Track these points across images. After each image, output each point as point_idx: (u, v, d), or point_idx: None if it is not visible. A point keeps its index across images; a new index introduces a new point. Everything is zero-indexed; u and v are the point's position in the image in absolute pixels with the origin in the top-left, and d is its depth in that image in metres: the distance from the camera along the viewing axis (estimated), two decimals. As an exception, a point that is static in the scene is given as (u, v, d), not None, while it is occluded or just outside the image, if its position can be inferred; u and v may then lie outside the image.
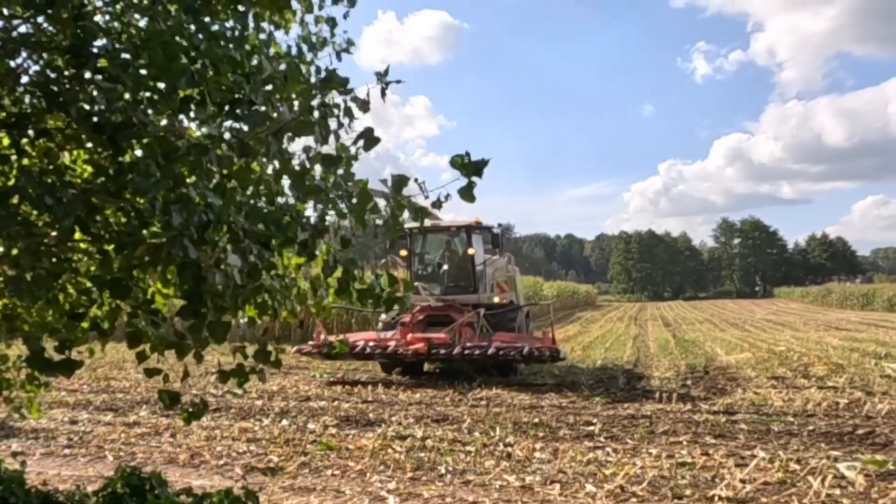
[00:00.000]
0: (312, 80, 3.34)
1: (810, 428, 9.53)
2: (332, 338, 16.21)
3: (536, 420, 10.23)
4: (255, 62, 3.14)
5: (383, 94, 3.38)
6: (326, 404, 11.91)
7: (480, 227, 16.19)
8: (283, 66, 3.31)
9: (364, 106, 3.30)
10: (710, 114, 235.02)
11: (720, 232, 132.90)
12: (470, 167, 3.19)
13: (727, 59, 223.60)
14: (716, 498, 6.43)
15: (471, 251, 15.65)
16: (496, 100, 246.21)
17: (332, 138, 3.25)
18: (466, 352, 13.78)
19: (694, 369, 16.63)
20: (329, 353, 14.70)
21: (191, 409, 3.45)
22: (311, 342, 14.91)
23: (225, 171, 2.91)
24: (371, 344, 14.33)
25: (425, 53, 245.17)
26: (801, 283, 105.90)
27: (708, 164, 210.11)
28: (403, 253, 15.65)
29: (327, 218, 3.35)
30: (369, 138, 3.24)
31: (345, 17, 3.86)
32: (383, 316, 15.75)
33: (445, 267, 16.24)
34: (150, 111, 2.79)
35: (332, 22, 3.76)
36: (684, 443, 8.77)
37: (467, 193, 3.29)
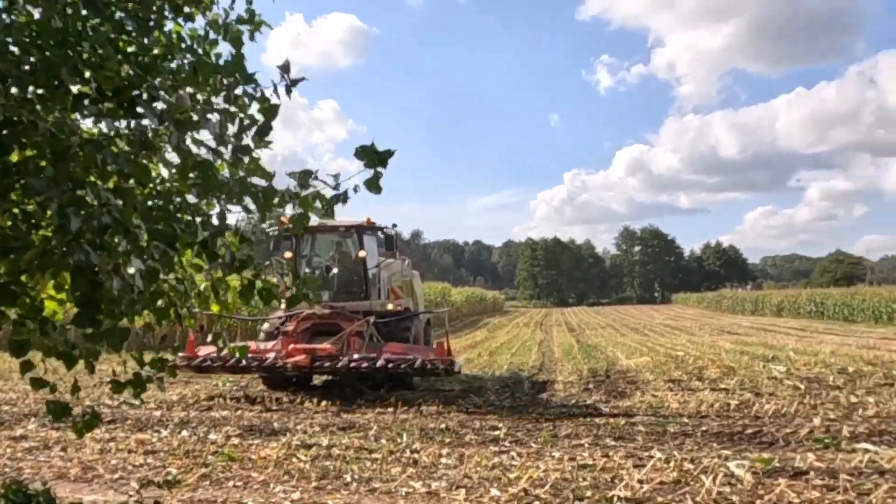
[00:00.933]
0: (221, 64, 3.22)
1: (703, 429, 9.95)
2: (218, 346, 15.17)
3: (443, 426, 10.27)
4: (156, 52, 3.02)
5: (289, 91, 3.32)
6: (229, 413, 11.60)
7: (373, 228, 14.84)
8: (188, 58, 3.19)
9: (269, 112, 3.23)
10: (613, 125, 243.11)
11: (622, 240, 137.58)
12: (375, 157, 3.18)
13: (629, 73, 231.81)
14: (615, 498, 6.62)
15: (362, 253, 14.34)
16: (406, 106, 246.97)
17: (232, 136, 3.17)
18: (353, 364, 12.64)
19: (596, 373, 17.09)
20: (201, 367, 13.06)
21: (82, 421, 3.29)
22: (181, 354, 12.73)
23: (124, 170, 2.80)
24: (249, 356, 12.58)
25: (335, 57, 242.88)
26: (696, 289, 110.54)
27: (611, 173, 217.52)
28: (288, 255, 14.12)
29: (230, 216, 3.27)
30: (264, 128, 3.18)
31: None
32: (265, 325, 14.69)
33: (335, 271, 14.92)
34: (38, 108, 2.65)
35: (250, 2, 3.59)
36: (586, 445, 9.00)
37: (374, 184, 3.28)
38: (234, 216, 3.35)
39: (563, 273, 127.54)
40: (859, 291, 51.82)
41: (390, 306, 14.56)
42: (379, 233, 15.14)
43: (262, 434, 9.92)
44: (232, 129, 3.09)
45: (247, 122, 3.34)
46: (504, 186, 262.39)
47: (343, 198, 3.49)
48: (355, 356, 12.78)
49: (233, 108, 3.11)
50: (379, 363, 12.61)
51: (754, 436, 9.51)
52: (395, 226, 15.17)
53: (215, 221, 3.21)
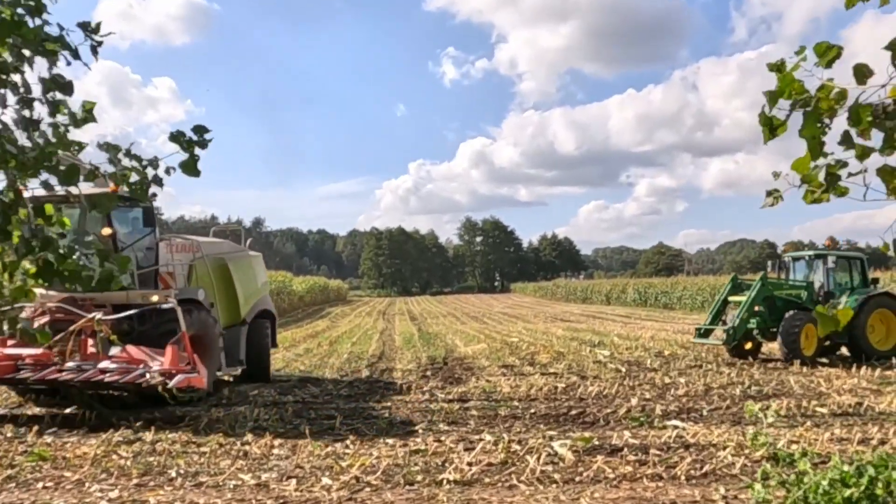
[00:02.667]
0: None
1: (532, 411, 10.40)
2: None
3: (278, 417, 10.07)
4: None
5: (94, 51, 3.10)
6: (43, 410, 10.76)
7: (123, 198, 10.72)
8: None
9: (65, 88, 2.98)
10: (457, 117, 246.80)
11: (464, 230, 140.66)
12: (191, 143, 3.06)
13: (474, 66, 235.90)
14: (444, 482, 6.77)
15: (107, 231, 11.00)
16: (249, 90, 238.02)
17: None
18: (64, 374, 9.91)
19: (434, 361, 17.41)
20: None
21: None
22: None
23: None
24: None
25: (171, 33, 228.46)
26: (533, 278, 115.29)
27: (454, 165, 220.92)
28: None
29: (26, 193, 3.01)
30: (63, 86, 2.95)
31: None
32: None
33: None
34: None
35: None
36: (419, 431, 9.14)
37: (190, 167, 3.14)
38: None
39: (407, 263, 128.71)
40: (678, 281, 56.07)
41: (155, 297, 11.00)
42: (133, 205, 11.83)
43: (80, 430, 9.27)
44: (11, 98, 2.84)
45: (50, 97, 3.08)
46: (349, 175, 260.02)
47: (157, 180, 3.32)
48: (70, 364, 10.08)
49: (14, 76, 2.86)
50: (89, 374, 9.85)
51: (578, 416, 10.06)
52: (154, 195, 10.73)
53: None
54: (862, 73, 3.09)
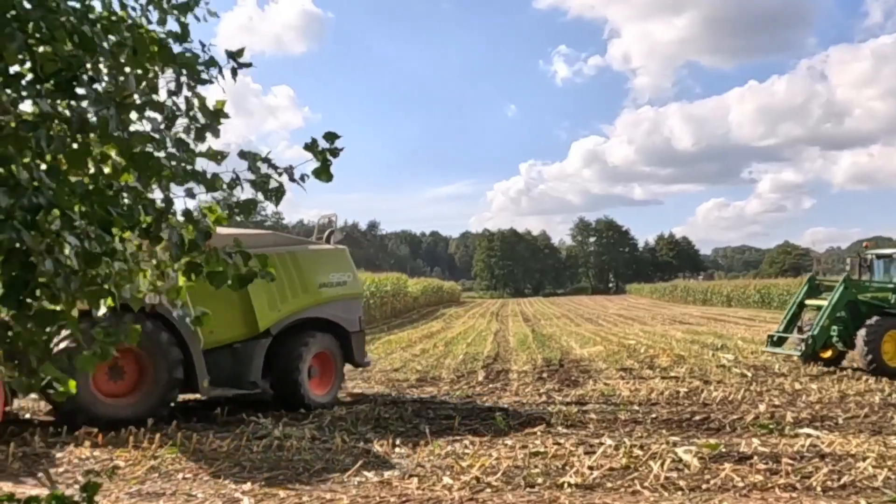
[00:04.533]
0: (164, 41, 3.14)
1: (653, 416, 10.14)
2: None
3: (398, 416, 10.27)
4: (97, 28, 2.92)
5: (234, 74, 3.27)
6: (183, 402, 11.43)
7: None
8: (128, 35, 3.09)
9: (217, 115, 3.17)
10: (569, 116, 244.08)
11: (577, 231, 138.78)
12: (323, 152, 3.17)
13: (586, 64, 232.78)
14: (565, 485, 6.71)
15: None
16: (362, 94, 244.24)
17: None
18: None
19: (550, 362, 17.27)
20: None
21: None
22: None
23: (59, 152, 2.72)
24: None
25: (289, 42, 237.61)
26: (650, 279, 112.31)
27: (566, 165, 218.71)
28: None
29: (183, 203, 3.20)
30: (206, 128, 3.13)
31: None
32: None
33: None
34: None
35: None
36: (538, 433, 9.09)
37: (323, 172, 3.25)
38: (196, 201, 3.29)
39: (519, 264, 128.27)
40: (806, 281, 53.14)
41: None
42: None
43: (213, 426, 9.74)
44: (181, 121, 3.05)
45: (192, 113, 3.26)
46: (461, 177, 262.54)
47: (298, 180, 3.44)
48: None
49: (178, 99, 3.06)
50: None
51: (702, 422, 9.72)
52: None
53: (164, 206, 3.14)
54: None
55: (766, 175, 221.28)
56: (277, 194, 3.40)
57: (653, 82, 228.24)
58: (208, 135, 3.34)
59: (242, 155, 3.35)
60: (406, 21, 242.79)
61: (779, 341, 15.54)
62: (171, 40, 3.18)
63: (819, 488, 6.54)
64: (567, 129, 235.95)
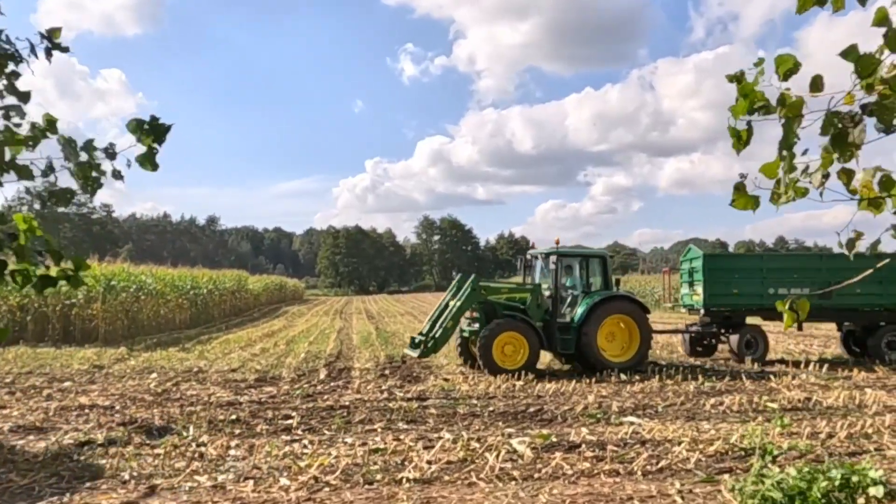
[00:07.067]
0: None
1: (490, 409, 10.44)
2: None
3: (233, 417, 9.93)
4: None
5: (49, 55, 3.02)
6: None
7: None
8: None
9: (24, 98, 2.91)
10: (415, 115, 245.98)
11: (422, 229, 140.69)
12: (150, 132, 2.99)
13: (433, 63, 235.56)
14: (404, 480, 6.76)
15: None
16: (203, 83, 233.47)
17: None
18: None
19: (392, 360, 17.35)
20: None
21: None
22: None
23: None
24: None
25: (120, 23, 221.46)
26: (491, 277, 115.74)
27: (412, 163, 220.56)
28: None
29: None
30: (22, 95, 2.88)
31: None
32: None
33: None
34: None
35: None
36: (378, 430, 9.10)
37: (148, 160, 3.07)
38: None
39: (364, 261, 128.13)
40: (631, 280, 56.85)
41: None
42: None
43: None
44: None
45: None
46: (306, 173, 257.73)
47: (116, 174, 3.25)
48: None
49: None
50: None
51: (536, 414, 10.13)
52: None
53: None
54: (816, 84, 3.26)
55: (599, 178, 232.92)
56: (93, 185, 3.19)
57: (496, 85, 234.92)
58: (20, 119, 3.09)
59: (60, 141, 3.11)
60: (252, 10, 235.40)
61: (419, 343, 14.78)
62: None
63: (640, 472, 6.99)
64: (414, 127, 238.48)
